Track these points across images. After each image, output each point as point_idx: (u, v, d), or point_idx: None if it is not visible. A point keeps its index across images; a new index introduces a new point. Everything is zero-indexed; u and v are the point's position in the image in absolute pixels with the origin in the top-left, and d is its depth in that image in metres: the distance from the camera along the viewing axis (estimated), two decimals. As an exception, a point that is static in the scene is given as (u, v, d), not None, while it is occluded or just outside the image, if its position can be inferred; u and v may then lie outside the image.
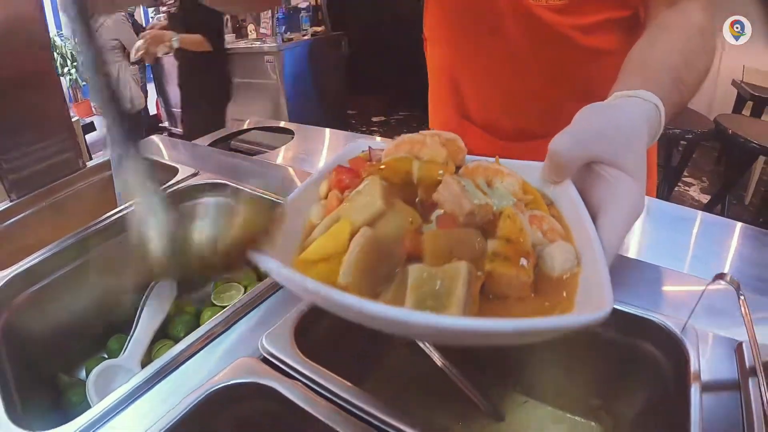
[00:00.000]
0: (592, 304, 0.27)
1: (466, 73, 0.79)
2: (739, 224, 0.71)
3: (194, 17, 2.32)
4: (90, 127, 3.16)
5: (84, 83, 3.96)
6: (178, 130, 4.03)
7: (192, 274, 0.29)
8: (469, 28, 0.73)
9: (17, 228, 0.85)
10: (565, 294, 0.29)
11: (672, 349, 0.47)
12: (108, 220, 0.76)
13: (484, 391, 0.52)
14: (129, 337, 0.67)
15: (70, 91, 4.52)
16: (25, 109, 0.84)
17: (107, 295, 0.74)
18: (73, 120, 1.03)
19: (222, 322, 0.53)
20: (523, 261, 0.29)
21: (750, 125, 2.43)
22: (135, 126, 3.30)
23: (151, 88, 4.24)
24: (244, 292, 0.77)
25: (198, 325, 0.56)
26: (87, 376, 0.62)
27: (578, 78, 0.70)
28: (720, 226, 0.73)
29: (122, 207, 0.79)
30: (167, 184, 0.85)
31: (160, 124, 4.59)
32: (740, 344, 0.45)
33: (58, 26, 3.90)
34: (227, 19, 3.83)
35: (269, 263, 0.28)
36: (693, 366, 0.43)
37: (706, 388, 0.42)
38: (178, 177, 0.87)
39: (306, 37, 3.81)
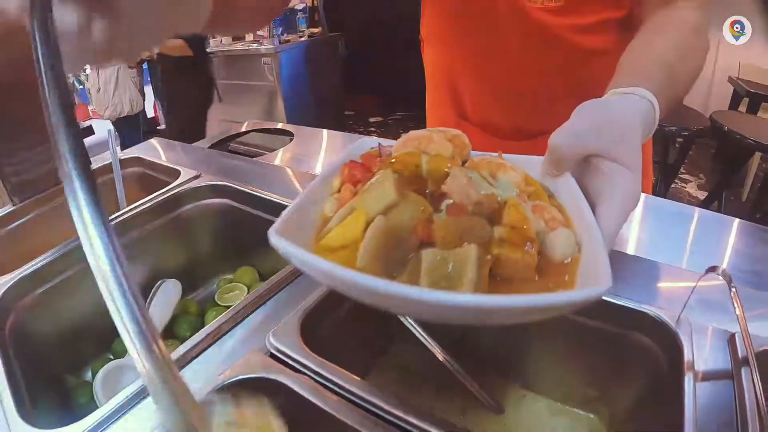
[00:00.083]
0: (592, 283, 0.28)
1: (463, 73, 0.80)
2: (735, 220, 0.72)
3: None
4: (89, 131, 3.16)
5: (80, 87, 3.94)
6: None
7: None
8: (465, 29, 0.74)
9: (20, 232, 0.86)
10: (567, 277, 0.31)
11: (667, 340, 0.48)
12: (110, 223, 0.76)
13: (485, 384, 0.53)
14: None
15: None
16: (26, 114, 0.85)
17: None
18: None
19: (228, 320, 0.54)
20: (528, 246, 0.31)
21: (746, 122, 2.45)
22: (134, 128, 3.32)
23: (148, 90, 4.25)
24: (248, 293, 0.78)
25: (203, 325, 0.57)
26: (93, 376, 0.63)
27: (574, 78, 0.71)
28: (717, 222, 0.74)
29: (124, 209, 0.80)
30: (169, 187, 0.86)
31: (158, 127, 4.60)
32: (733, 335, 0.46)
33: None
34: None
35: (290, 248, 0.28)
36: (687, 357, 0.44)
37: (700, 378, 0.43)
38: (181, 179, 0.88)
39: (303, 39, 3.80)
